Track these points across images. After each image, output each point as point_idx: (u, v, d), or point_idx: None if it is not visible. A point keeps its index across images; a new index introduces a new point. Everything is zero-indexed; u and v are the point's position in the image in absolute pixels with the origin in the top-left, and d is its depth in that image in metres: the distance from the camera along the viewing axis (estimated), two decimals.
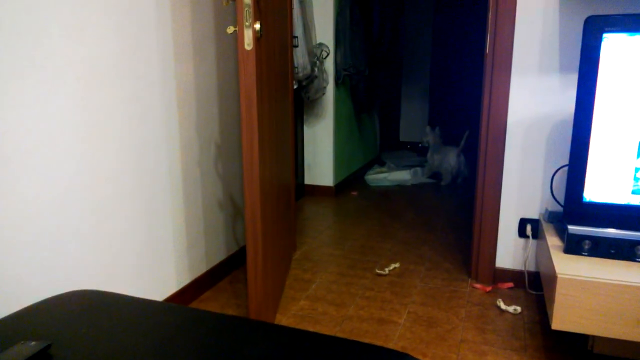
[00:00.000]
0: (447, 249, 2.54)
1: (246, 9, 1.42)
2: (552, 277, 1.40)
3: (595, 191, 1.49)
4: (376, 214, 3.21)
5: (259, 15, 1.48)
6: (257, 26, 1.44)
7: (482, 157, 2.03)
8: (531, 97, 1.90)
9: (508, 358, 1.58)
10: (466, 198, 3.63)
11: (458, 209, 3.33)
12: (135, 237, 1.65)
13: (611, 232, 1.44)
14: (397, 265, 2.31)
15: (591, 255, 1.47)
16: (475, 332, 1.73)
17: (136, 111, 1.61)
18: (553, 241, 1.60)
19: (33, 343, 0.72)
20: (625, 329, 1.32)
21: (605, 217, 1.50)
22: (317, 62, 3.21)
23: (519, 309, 1.87)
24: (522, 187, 1.99)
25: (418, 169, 4.30)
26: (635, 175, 1.45)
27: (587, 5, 1.78)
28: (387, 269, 2.25)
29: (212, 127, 2.06)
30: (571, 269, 1.38)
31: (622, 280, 1.31)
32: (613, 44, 1.39)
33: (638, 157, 1.43)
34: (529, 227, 2.01)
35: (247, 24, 1.43)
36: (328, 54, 3.37)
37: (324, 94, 3.37)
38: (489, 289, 2.06)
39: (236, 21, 1.45)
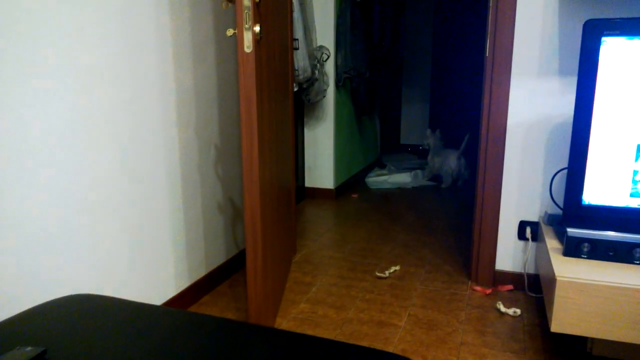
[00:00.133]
0: (447, 252, 2.54)
1: (246, 11, 1.42)
2: (552, 280, 1.40)
3: (594, 194, 1.49)
4: (376, 216, 3.21)
5: (258, 17, 1.48)
6: (257, 29, 1.44)
7: (482, 160, 2.03)
8: (531, 100, 1.91)
9: None
10: (466, 200, 3.63)
11: (458, 211, 3.33)
12: (133, 240, 1.65)
13: (610, 234, 1.44)
14: (397, 267, 2.31)
15: (590, 258, 1.47)
16: (475, 335, 1.73)
17: (135, 113, 1.61)
18: (552, 244, 1.60)
19: (28, 349, 0.72)
20: (624, 331, 1.32)
21: (604, 219, 1.50)
22: (318, 64, 3.22)
23: (518, 311, 1.87)
24: (522, 189, 1.99)
25: (418, 171, 4.30)
26: (633, 178, 1.45)
27: (586, 9, 1.78)
28: (387, 272, 2.25)
29: (211, 129, 2.06)
30: (570, 271, 1.37)
31: (620, 283, 1.30)
32: (612, 47, 1.39)
33: (636, 160, 1.43)
34: (528, 230, 2.00)
35: (246, 26, 1.44)
36: (328, 57, 3.37)
37: (324, 96, 3.38)
38: (488, 291, 2.05)
39: (236, 23, 1.45)
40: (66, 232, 1.38)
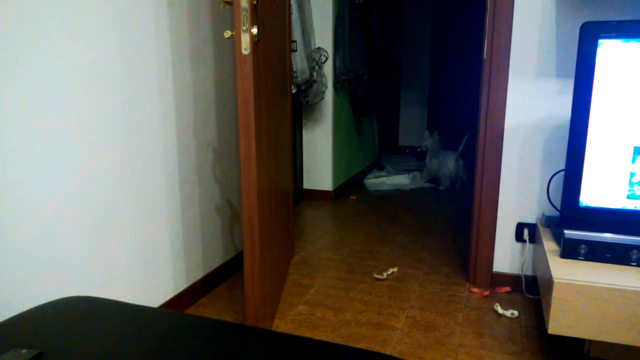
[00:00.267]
0: (445, 253, 2.54)
1: (243, 13, 1.43)
2: (549, 282, 1.40)
3: (591, 196, 1.49)
4: (375, 218, 3.21)
5: (256, 19, 1.49)
6: (255, 30, 1.45)
7: (479, 162, 2.03)
8: (528, 102, 1.91)
9: None
10: (464, 202, 3.63)
11: (456, 213, 3.34)
12: (131, 242, 1.65)
13: (607, 236, 1.44)
14: (395, 269, 2.31)
15: (587, 260, 1.47)
16: (472, 337, 1.73)
17: (133, 115, 1.61)
18: (550, 246, 1.60)
19: (24, 351, 0.72)
20: (621, 333, 1.32)
21: (601, 221, 1.50)
22: (316, 66, 3.22)
23: (516, 313, 1.87)
24: (520, 191, 2.00)
25: (417, 173, 4.30)
26: (630, 180, 1.45)
27: (583, 11, 1.78)
28: (385, 274, 2.25)
29: (209, 130, 2.06)
30: (567, 273, 1.38)
31: (617, 285, 1.31)
32: (608, 49, 1.40)
33: (633, 162, 1.43)
34: (526, 232, 2.01)
35: (244, 28, 1.44)
36: (327, 59, 3.38)
37: (322, 98, 3.38)
38: (486, 293, 2.06)
39: (233, 25, 1.45)
40: (64, 233, 1.38)
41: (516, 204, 2.01)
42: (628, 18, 1.74)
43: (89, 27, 1.41)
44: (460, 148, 3.92)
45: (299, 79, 2.97)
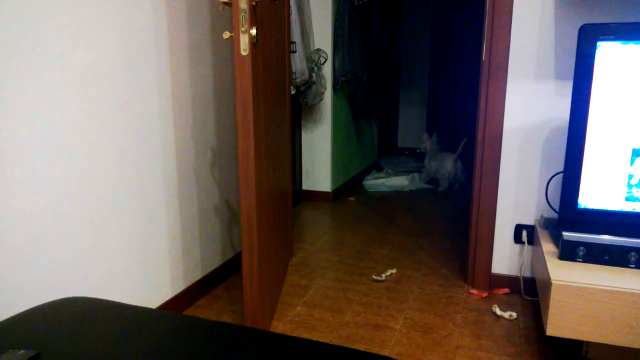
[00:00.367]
0: (443, 255, 2.55)
1: (242, 14, 1.43)
2: (547, 283, 1.40)
3: (589, 198, 1.49)
4: (374, 219, 3.21)
5: (255, 20, 1.49)
6: (253, 31, 1.45)
7: (478, 163, 2.03)
8: (527, 104, 1.91)
9: None
10: (463, 204, 3.63)
11: (455, 214, 3.34)
12: (129, 243, 1.65)
13: (605, 238, 1.44)
14: (393, 271, 2.31)
15: (586, 262, 1.47)
16: (471, 338, 1.73)
17: (132, 116, 1.61)
18: (548, 247, 1.60)
19: (21, 352, 0.72)
20: (619, 335, 1.32)
21: (600, 223, 1.50)
22: (315, 67, 3.22)
23: (514, 314, 1.87)
24: (518, 193, 2.00)
25: (415, 174, 4.31)
26: (628, 182, 1.45)
27: (582, 14, 1.79)
28: (383, 275, 2.25)
29: (208, 132, 2.06)
30: (566, 275, 1.38)
31: (615, 287, 1.31)
32: (607, 52, 1.40)
33: (632, 164, 1.44)
34: (524, 233, 2.01)
35: (243, 29, 1.44)
36: (326, 60, 3.38)
37: (321, 99, 3.38)
38: (485, 294, 2.06)
39: (232, 26, 1.45)
40: (62, 233, 1.37)
41: (515, 205, 2.01)
42: (626, 20, 1.75)
43: (88, 28, 1.41)
44: (458, 150, 3.93)
45: (298, 80, 2.97)
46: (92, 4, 1.41)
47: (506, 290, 2.08)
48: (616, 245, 1.43)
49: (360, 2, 3.70)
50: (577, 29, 1.80)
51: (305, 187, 3.69)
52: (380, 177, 4.28)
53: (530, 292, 2.06)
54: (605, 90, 1.42)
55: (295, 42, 2.90)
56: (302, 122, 3.58)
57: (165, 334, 0.83)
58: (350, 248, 2.65)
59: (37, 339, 0.80)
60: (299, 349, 0.79)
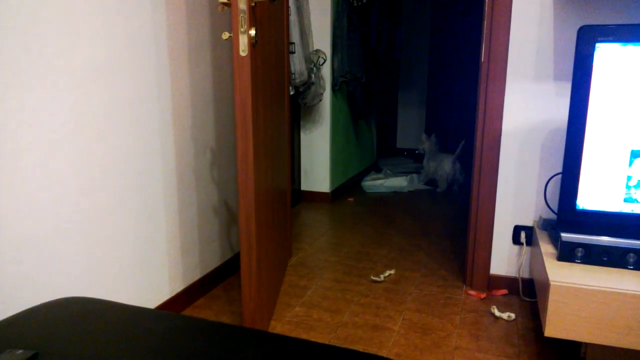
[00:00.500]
0: (442, 256, 2.55)
1: (241, 15, 1.43)
2: (546, 284, 1.40)
3: (588, 199, 1.50)
4: (372, 220, 3.21)
5: (254, 21, 1.49)
6: (253, 32, 1.45)
7: (477, 165, 2.03)
8: (526, 105, 1.91)
9: None
10: (462, 205, 3.63)
11: (453, 215, 3.34)
12: (128, 244, 1.64)
13: (604, 239, 1.44)
14: (392, 271, 2.31)
15: (584, 263, 1.47)
16: (469, 339, 1.73)
17: (131, 116, 1.61)
18: (547, 248, 1.60)
19: (19, 352, 0.71)
20: (617, 336, 1.32)
21: (598, 224, 1.50)
22: (314, 68, 3.22)
23: (513, 315, 1.87)
24: (517, 194, 2.00)
25: (414, 175, 4.31)
26: (627, 183, 1.45)
27: (581, 15, 1.79)
28: (382, 276, 2.25)
29: (207, 132, 2.06)
30: (564, 276, 1.38)
31: (614, 288, 1.31)
32: (606, 53, 1.40)
33: (630, 165, 1.44)
34: (523, 235, 2.01)
35: (242, 30, 1.44)
36: (325, 61, 3.38)
37: (320, 100, 3.38)
38: (483, 295, 2.06)
39: (231, 27, 1.45)
40: (60, 233, 1.37)
41: (513, 206, 2.01)
42: (625, 22, 1.75)
43: (87, 27, 1.41)
44: (457, 151, 3.93)
45: (297, 80, 2.97)
46: (92, 4, 1.41)
47: (505, 291, 2.08)
48: (614, 247, 1.43)
49: (359, 3, 3.70)
50: (576, 30, 1.80)
51: (304, 187, 3.69)
52: (379, 178, 4.28)
53: (529, 293, 2.06)
54: (604, 91, 1.42)
55: (294, 43, 2.90)
56: (301, 123, 3.58)
57: (163, 334, 0.83)
58: (349, 249, 2.65)
59: (35, 339, 0.80)
60: (297, 349, 0.79)
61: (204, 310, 1.95)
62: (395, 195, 3.93)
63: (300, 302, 2.01)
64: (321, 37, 3.40)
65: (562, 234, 1.48)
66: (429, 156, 4.10)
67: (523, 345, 1.70)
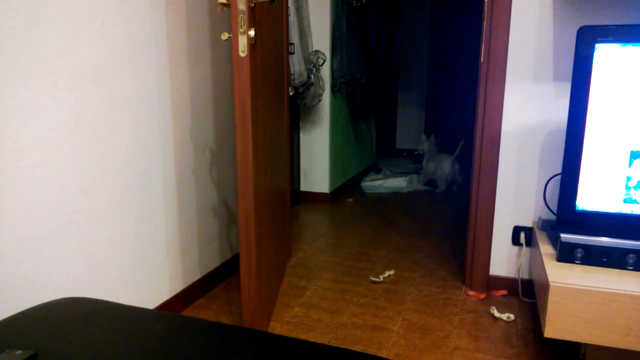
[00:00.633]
0: (441, 256, 2.55)
1: (240, 15, 1.43)
2: (545, 285, 1.40)
3: (587, 200, 1.50)
4: (372, 220, 3.21)
5: (253, 22, 1.49)
6: (252, 33, 1.45)
7: (476, 165, 2.03)
8: (525, 106, 1.91)
9: None
10: (461, 205, 3.63)
11: (453, 216, 3.34)
12: (127, 244, 1.64)
13: (603, 240, 1.44)
14: (391, 272, 2.31)
15: (583, 264, 1.47)
16: (468, 340, 1.73)
17: (131, 116, 1.61)
18: (546, 249, 1.60)
19: (19, 352, 0.71)
20: (616, 337, 1.32)
21: (598, 225, 1.50)
22: (314, 69, 3.22)
23: (512, 316, 1.87)
24: (516, 195, 2.00)
25: (414, 176, 4.31)
26: (626, 184, 1.45)
27: (580, 16, 1.79)
28: (381, 276, 2.25)
29: (206, 133, 2.06)
30: (564, 277, 1.38)
31: (613, 289, 1.31)
32: (605, 54, 1.40)
33: (630, 166, 1.44)
34: (522, 235, 2.01)
35: (241, 30, 1.44)
36: (324, 61, 3.38)
37: (320, 100, 3.38)
38: (482, 296, 2.06)
39: (230, 27, 1.45)
40: (60, 233, 1.37)
41: (513, 207, 2.01)
42: (625, 22, 1.75)
43: (87, 27, 1.41)
44: (456, 151, 3.93)
45: (297, 81, 2.97)
46: (92, 4, 1.41)
47: (504, 292, 2.08)
48: (614, 247, 1.43)
49: (359, 4, 3.70)
50: (576, 30, 1.80)
51: (303, 188, 3.69)
52: (379, 179, 4.28)
53: (528, 294, 2.06)
54: (604, 92, 1.42)
55: (293, 44, 2.90)
56: (301, 124, 3.58)
57: (163, 335, 0.82)
58: (348, 249, 2.65)
59: (35, 339, 0.80)
60: (296, 350, 0.79)
61: (203, 311, 1.95)
62: (395, 196, 3.93)
63: (299, 303, 2.01)
64: (320, 37, 3.40)
65: (562, 235, 1.48)
66: (429, 157, 4.10)
67: (522, 345, 1.70)
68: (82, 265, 1.46)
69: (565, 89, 1.86)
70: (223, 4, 1.46)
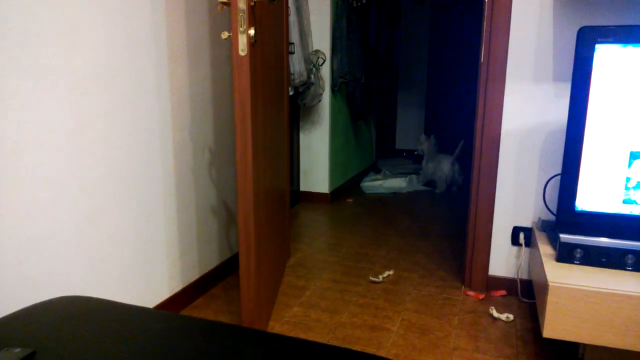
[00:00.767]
0: (441, 257, 2.55)
1: (240, 14, 1.43)
2: (544, 285, 1.41)
3: (587, 200, 1.50)
4: (371, 221, 3.21)
5: (253, 21, 1.49)
6: (252, 32, 1.45)
7: (476, 166, 2.03)
8: (525, 106, 1.92)
9: None
10: (460, 206, 3.63)
11: (452, 216, 3.34)
12: (126, 243, 1.64)
13: (602, 241, 1.44)
14: (391, 272, 2.31)
15: (583, 264, 1.47)
16: (467, 340, 1.73)
17: (130, 116, 1.61)
18: (545, 249, 1.61)
19: (17, 350, 0.71)
20: (615, 337, 1.33)
21: (597, 226, 1.50)
22: (314, 69, 3.22)
23: (511, 316, 1.87)
24: (516, 195, 2.00)
25: (413, 176, 4.31)
26: (626, 184, 1.45)
27: (580, 16, 1.79)
28: (381, 276, 2.25)
29: (206, 132, 2.06)
30: (563, 277, 1.38)
31: (612, 289, 1.31)
32: (605, 54, 1.40)
33: (629, 166, 1.44)
34: (522, 236, 2.01)
35: (241, 29, 1.44)
36: (324, 61, 3.38)
37: (320, 100, 3.38)
38: (482, 296, 2.06)
39: (231, 26, 1.45)
40: (59, 233, 1.37)
41: (512, 207, 2.02)
42: (625, 23, 1.75)
43: (86, 27, 1.41)
44: (456, 152, 3.93)
45: (297, 81, 2.97)
46: (92, 4, 1.41)
47: (503, 292, 2.08)
48: (613, 248, 1.43)
49: (359, 4, 3.70)
50: (576, 31, 1.81)
51: (303, 188, 3.69)
52: (378, 179, 4.29)
53: (527, 294, 2.06)
54: (604, 92, 1.42)
55: (293, 43, 2.90)
56: (300, 123, 3.58)
57: (162, 334, 0.82)
58: (348, 249, 2.65)
59: (33, 337, 0.80)
60: (295, 349, 0.79)
61: (202, 310, 1.95)
62: (394, 196, 3.93)
63: (298, 303, 2.01)
64: (320, 37, 3.40)
65: (561, 235, 1.48)
66: (428, 157, 4.11)
67: (521, 346, 1.70)
68: (82, 265, 1.46)
69: (565, 90, 1.86)
70: (223, 3, 1.46)
